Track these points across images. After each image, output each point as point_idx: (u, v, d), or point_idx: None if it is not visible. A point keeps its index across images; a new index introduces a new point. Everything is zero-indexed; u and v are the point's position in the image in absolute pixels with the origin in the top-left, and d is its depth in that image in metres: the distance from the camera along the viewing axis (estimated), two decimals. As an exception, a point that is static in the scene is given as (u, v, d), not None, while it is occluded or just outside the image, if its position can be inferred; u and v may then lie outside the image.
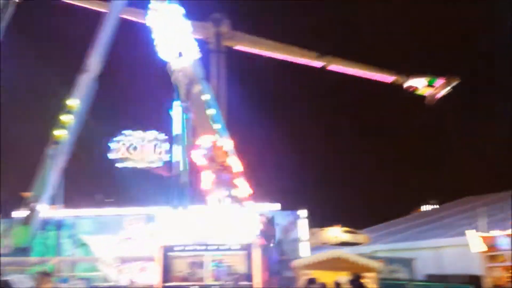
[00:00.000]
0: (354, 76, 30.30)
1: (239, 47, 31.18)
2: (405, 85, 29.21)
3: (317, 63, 30.58)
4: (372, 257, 18.30)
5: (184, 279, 15.14)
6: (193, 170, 21.38)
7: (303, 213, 21.25)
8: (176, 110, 22.69)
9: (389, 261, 17.91)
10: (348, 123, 50.31)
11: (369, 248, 23.08)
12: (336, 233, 21.29)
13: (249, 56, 32.14)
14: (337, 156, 47.15)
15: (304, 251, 20.12)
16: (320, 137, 46.95)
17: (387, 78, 29.84)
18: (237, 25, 31.06)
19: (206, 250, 15.38)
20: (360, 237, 21.28)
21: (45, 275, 5.36)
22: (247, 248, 15.17)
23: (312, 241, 21.10)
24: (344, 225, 21.53)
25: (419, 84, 28.81)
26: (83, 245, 22.15)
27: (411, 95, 29.17)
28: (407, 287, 16.35)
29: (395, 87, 29.54)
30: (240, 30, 31.20)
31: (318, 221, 22.64)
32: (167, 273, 15.04)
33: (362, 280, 14.87)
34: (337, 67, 30.56)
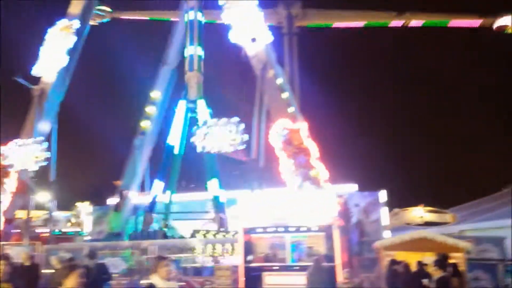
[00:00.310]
0: (436, 32, 28.36)
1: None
2: (495, 26, 26.96)
3: (397, 22, 29.10)
4: (459, 237, 17.55)
5: (266, 259, 15.46)
6: (271, 154, 21.71)
7: (382, 193, 20.79)
8: (181, 108, 23.67)
9: (478, 240, 17.03)
10: (427, 93, 47.32)
11: (456, 227, 22.08)
12: (419, 213, 20.63)
13: (321, 36, 31.64)
14: (417, 130, 44.84)
15: (386, 232, 19.75)
16: (397, 113, 44.87)
17: (474, 22, 27.67)
18: (308, 2, 30.52)
19: (286, 231, 15.56)
20: (446, 216, 20.43)
21: (162, 258, 5.55)
22: (326, 229, 15.18)
23: (395, 221, 20.62)
24: (427, 204, 20.80)
25: (509, 21, 26.46)
26: (171, 228, 23.33)
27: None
28: (499, 268, 15.54)
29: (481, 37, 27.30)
30: (311, 7, 30.65)
31: (400, 201, 22.11)
32: (249, 254, 15.44)
33: (449, 261, 14.31)
34: (419, 22, 28.83)
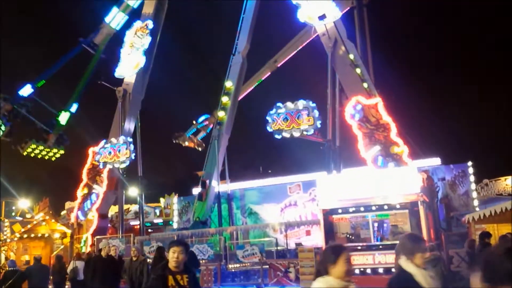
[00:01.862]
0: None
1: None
2: None
3: None
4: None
5: (348, 240, 15.29)
6: (347, 133, 21.32)
7: (469, 165, 19.67)
8: None
9: None
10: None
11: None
12: (511, 182, 19.33)
13: (391, 6, 30.17)
14: (501, 97, 41.51)
15: (476, 205, 18.72)
16: (480, 81, 41.81)
17: None
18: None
19: (368, 210, 15.26)
20: (542, 184, 18.96)
21: (420, 241, 4.05)
22: (409, 206, 14.67)
23: (485, 193, 19.47)
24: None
25: None
26: (252, 213, 23.81)
27: None
28: None
29: None
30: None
31: (489, 171, 20.82)
32: (330, 235, 15.34)
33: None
34: None
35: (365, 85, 21.29)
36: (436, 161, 20.45)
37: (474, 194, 18.94)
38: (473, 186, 19.49)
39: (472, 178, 19.06)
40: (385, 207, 15.00)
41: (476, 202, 18.54)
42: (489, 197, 19.53)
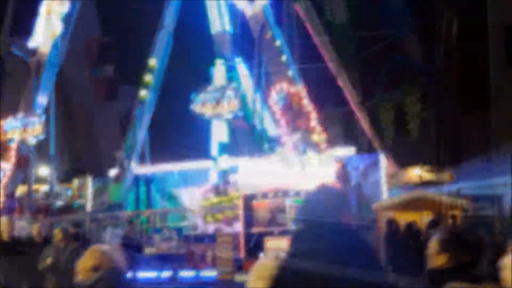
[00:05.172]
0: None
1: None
2: None
3: None
4: (457, 195, 17.72)
5: (266, 225, 15.70)
6: (270, 118, 21.66)
7: (381, 155, 20.86)
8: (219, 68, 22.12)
9: (475, 199, 17.21)
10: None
11: (454, 186, 22.11)
12: (417, 172, 20.73)
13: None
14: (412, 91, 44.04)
15: (385, 193, 19.89)
16: (395, 76, 44.05)
17: None
18: None
19: (285, 196, 15.75)
20: (443, 175, 20.49)
21: None
22: (325, 193, 15.28)
23: (393, 182, 20.73)
24: (425, 164, 20.88)
25: None
26: (172, 197, 23.51)
27: None
28: (494, 225, 15.75)
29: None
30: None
31: (398, 162, 22.16)
32: (250, 220, 15.67)
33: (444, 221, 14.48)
34: None
35: (290, 73, 21.67)
36: (351, 150, 21.41)
37: (384, 183, 20.08)
38: (383, 175, 20.65)
39: (383, 167, 20.19)
40: (302, 192, 15.56)
41: (385, 191, 19.68)
42: (397, 186, 20.74)
